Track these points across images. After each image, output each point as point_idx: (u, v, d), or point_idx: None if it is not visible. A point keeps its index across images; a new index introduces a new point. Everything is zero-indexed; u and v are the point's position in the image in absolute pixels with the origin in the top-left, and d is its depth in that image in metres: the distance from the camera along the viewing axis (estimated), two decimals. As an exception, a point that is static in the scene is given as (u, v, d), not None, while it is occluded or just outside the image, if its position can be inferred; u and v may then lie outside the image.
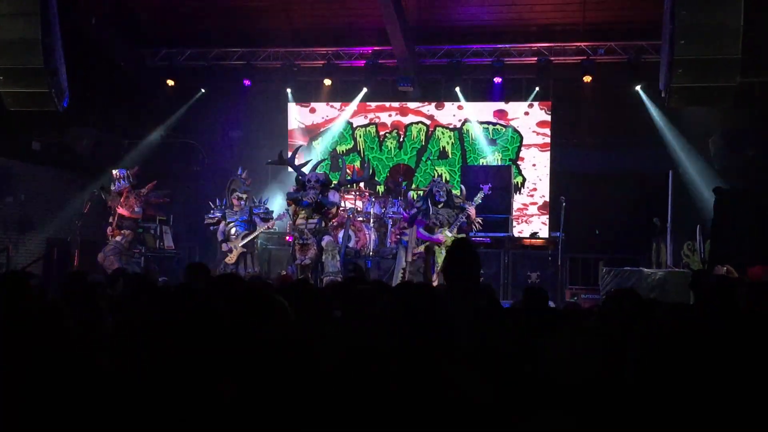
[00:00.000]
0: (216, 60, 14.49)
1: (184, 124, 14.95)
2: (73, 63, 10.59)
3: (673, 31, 8.64)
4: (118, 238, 11.24)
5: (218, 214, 11.19)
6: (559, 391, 1.96)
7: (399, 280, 10.33)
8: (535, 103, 14.63)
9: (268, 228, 11.15)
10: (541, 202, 14.59)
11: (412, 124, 15.21)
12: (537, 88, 14.30)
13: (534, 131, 14.70)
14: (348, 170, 11.92)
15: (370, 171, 12.54)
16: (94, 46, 13.28)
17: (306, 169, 10.62)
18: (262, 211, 11.30)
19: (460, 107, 14.90)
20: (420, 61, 14.13)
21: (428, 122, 15.15)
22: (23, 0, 9.59)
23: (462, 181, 12.66)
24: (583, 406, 1.92)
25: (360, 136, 15.38)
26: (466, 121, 14.90)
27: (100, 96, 13.85)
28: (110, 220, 11.47)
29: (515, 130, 14.76)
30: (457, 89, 14.45)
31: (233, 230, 11.01)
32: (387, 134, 15.28)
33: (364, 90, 14.82)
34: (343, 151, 15.17)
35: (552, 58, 13.62)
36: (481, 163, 14.49)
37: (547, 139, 14.62)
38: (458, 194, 10.44)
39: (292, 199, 10.41)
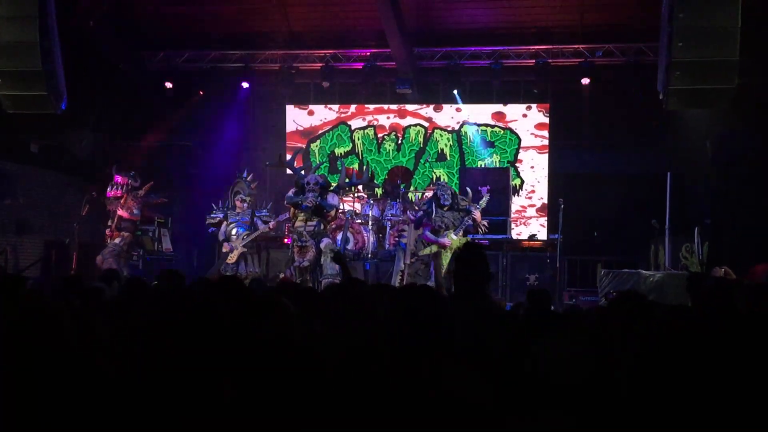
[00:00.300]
0: (214, 62, 14.50)
1: (183, 127, 14.94)
2: (72, 65, 10.59)
3: (670, 33, 8.65)
4: (116, 240, 11.25)
5: (220, 215, 11.22)
6: (559, 391, 1.96)
7: (397, 282, 10.33)
8: (533, 105, 14.65)
9: (270, 229, 11.15)
10: (539, 204, 14.60)
11: (410, 126, 15.22)
12: (535, 91, 14.32)
13: (532, 133, 14.71)
14: (347, 173, 11.93)
15: (370, 174, 12.54)
16: (92, 49, 13.28)
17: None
18: (264, 214, 11.32)
19: (458, 109, 14.92)
20: (418, 63, 14.15)
21: (426, 124, 15.16)
22: (22, 3, 9.60)
23: (460, 183, 12.66)
24: (582, 407, 1.92)
25: (358, 139, 15.38)
26: (464, 123, 14.92)
27: (98, 98, 13.85)
28: (109, 222, 11.48)
29: (513, 132, 14.77)
30: (455, 91, 14.47)
31: (234, 231, 11.02)
32: (385, 136, 15.28)
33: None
34: (341, 154, 15.17)
35: (550, 61, 13.65)
36: (479, 166, 14.50)
37: (546, 141, 14.63)
38: (464, 197, 10.43)
39: (291, 203, 10.41)
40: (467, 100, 14.70)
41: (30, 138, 13.19)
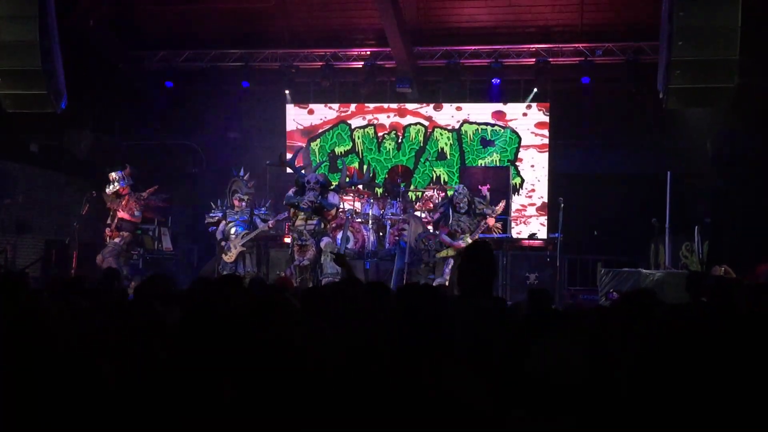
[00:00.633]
0: (214, 62, 14.49)
1: (183, 126, 14.94)
2: (72, 65, 10.60)
3: (671, 32, 8.65)
4: (116, 240, 11.25)
5: (219, 214, 11.23)
6: (559, 391, 1.96)
7: (397, 281, 10.35)
8: (534, 104, 14.63)
9: (269, 228, 11.15)
10: (539, 203, 14.59)
11: (410, 125, 15.20)
12: (535, 89, 14.31)
13: (532, 132, 14.69)
14: (348, 172, 11.93)
15: (371, 174, 12.54)
16: (92, 48, 13.30)
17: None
18: (263, 212, 11.32)
19: (458, 108, 14.91)
20: (418, 62, 14.14)
21: (426, 123, 15.15)
22: (21, 3, 9.62)
23: (460, 182, 12.65)
24: (582, 407, 1.92)
25: (358, 138, 15.37)
26: (464, 122, 14.91)
27: (98, 98, 13.86)
28: (108, 221, 11.48)
29: (513, 131, 14.76)
30: (456, 90, 14.46)
31: (233, 230, 11.03)
32: (385, 135, 15.27)
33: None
34: (341, 153, 15.17)
35: (550, 60, 13.65)
36: (479, 164, 14.50)
37: (546, 140, 14.62)
38: (482, 200, 10.61)
39: (290, 204, 10.41)
40: (467, 99, 14.70)
41: (30, 138, 13.20)
